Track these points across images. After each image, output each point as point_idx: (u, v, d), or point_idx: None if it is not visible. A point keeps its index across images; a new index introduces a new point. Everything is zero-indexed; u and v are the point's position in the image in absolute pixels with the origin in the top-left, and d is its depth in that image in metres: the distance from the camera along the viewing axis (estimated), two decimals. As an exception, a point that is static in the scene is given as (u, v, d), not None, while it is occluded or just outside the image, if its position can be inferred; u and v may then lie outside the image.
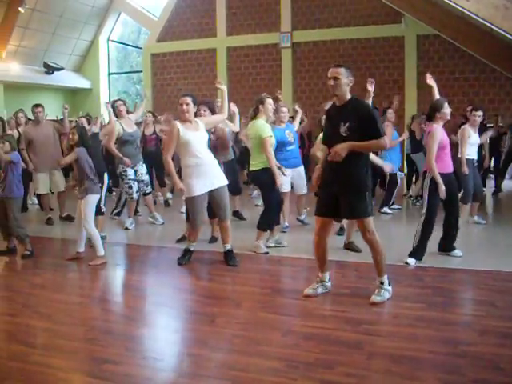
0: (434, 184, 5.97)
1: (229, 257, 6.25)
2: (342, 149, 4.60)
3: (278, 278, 5.85)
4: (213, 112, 7.02)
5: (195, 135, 5.98)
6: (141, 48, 19.32)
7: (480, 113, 7.95)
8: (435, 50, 14.78)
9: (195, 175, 5.97)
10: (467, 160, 7.78)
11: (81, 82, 20.14)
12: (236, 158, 8.69)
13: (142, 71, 19.11)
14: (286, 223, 7.86)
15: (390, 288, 5.00)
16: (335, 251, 6.68)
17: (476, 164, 8.09)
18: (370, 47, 15.46)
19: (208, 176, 6.02)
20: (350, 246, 6.70)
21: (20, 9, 16.14)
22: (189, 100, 6.01)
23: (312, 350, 3.89)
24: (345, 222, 6.96)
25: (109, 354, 3.92)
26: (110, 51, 20.63)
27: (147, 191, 8.49)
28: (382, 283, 4.97)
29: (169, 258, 6.52)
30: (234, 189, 8.05)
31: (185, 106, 5.99)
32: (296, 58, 16.28)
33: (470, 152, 7.89)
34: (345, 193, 4.80)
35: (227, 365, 3.72)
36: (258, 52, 16.74)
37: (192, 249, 6.38)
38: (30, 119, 10.00)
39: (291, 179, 7.65)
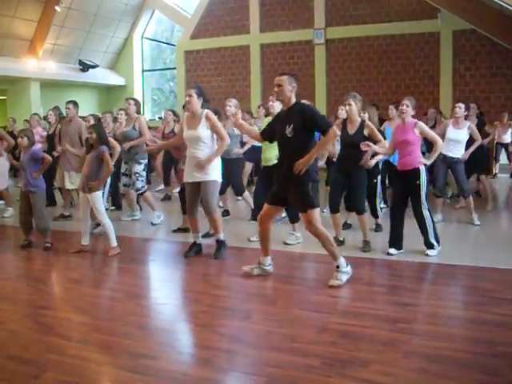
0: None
1: (216, 247, 6.49)
2: (304, 163, 5.09)
3: (312, 276, 5.84)
4: (219, 116, 7.19)
5: (189, 132, 6.27)
6: (174, 45, 19.42)
7: (460, 104, 7.87)
8: (472, 45, 14.53)
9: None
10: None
11: (115, 79, 20.35)
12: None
13: (175, 68, 19.22)
14: None
15: (348, 269, 5.29)
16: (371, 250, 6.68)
17: (454, 161, 7.93)
18: (404, 43, 15.28)
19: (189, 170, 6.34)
20: (364, 247, 6.71)
21: (56, 8, 16.38)
22: (192, 92, 6.25)
23: (347, 348, 3.87)
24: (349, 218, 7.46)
25: (144, 348, 3.96)
26: (143, 48, 20.81)
27: (136, 189, 8.52)
28: (337, 267, 5.26)
29: (204, 253, 6.56)
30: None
31: (187, 98, 6.24)
32: (330, 54, 16.18)
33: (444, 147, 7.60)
34: (292, 185, 5.21)
35: (263, 361, 3.73)
36: (292, 49, 16.69)
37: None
38: (63, 116, 10.10)
39: None
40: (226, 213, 8.70)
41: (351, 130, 6.61)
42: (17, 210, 7.85)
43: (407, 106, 6.27)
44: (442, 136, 7.63)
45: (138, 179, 8.36)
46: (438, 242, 6.32)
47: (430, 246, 6.29)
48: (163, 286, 5.85)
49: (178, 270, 6.22)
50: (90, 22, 18.18)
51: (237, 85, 17.31)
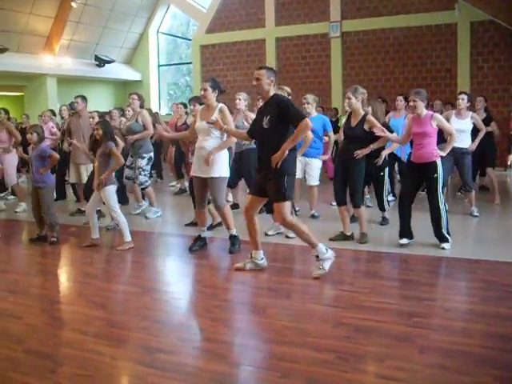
0: None
1: (230, 243, 6.54)
2: (279, 157, 5.19)
3: (328, 270, 5.79)
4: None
5: (201, 124, 6.28)
6: (190, 40, 19.44)
7: (463, 96, 7.96)
8: (490, 36, 14.32)
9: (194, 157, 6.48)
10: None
11: (131, 74, 20.43)
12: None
13: (191, 63, 19.24)
14: (315, 212, 8.28)
15: (328, 254, 5.38)
16: (383, 244, 6.65)
17: (461, 152, 7.93)
18: (421, 35, 15.13)
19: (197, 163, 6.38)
20: (361, 238, 6.75)
21: (73, 4, 16.46)
22: (206, 85, 6.30)
23: (362, 343, 3.86)
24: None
25: (160, 343, 3.98)
26: (159, 43, 20.85)
27: (139, 183, 8.67)
28: (316, 256, 5.35)
29: (218, 248, 6.58)
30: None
31: (202, 92, 6.31)
32: (345, 47, 16.09)
33: None
34: (269, 178, 5.34)
35: (277, 356, 3.72)
36: (307, 42, 16.61)
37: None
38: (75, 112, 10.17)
39: (303, 168, 8.03)
40: (235, 206, 8.71)
41: (353, 123, 6.65)
42: (29, 204, 7.97)
43: (414, 101, 6.22)
44: None
45: (140, 173, 8.53)
46: (449, 235, 6.30)
47: (443, 239, 6.27)
48: (178, 280, 5.88)
49: (191, 264, 6.25)
50: (105, 18, 18.25)
51: (253, 79, 17.24)
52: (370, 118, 6.59)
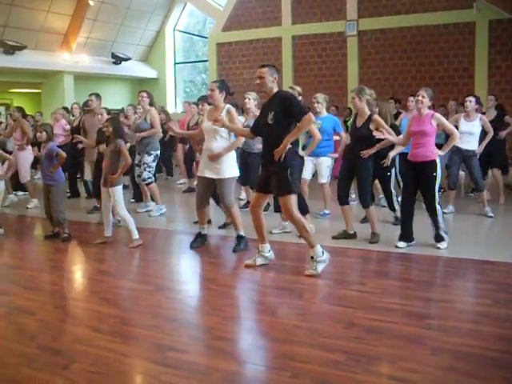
0: None
1: (235, 242, 6.57)
2: (281, 150, 5.26)
3: (340, 270, 5.78)
4: (237, 109, 7.37)
5: (208, 124, 6.33)
6: (206, 37, 19.45)
7: (471, 98, 7.99)
8: (509, 35, 14.17)
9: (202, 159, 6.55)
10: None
11: (147, 72, 20.50)
12: None
13: (207, 60, 19.25)
14: (326, 211, 8.32)
15: (324, 257, 5.42)
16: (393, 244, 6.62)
17: (468, 154, 8.00)
18: (438, 34, 15.02)
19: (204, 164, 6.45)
20: (372, 238, 6.76)
21: (90, 2, 16.57)
22: (214, 86, 6.37)
23: (374, 344, 3.84)
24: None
25: (173, 341, 3.99)
26: (175, 41, 20.91)
27: (142, 179, 8.73)
28: (312, 257, 5.44)
29: (231, 246, 6.58)
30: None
31: (209, 92, 6.38)
32: (362, 46, 16.01)
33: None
34: (273, 172, 5.39)
35: (287, 356, 3.71)
36: (324, 41, 16.55)
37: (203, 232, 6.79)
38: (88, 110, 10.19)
39: (314, 167, 8.12)
40: (248, 204, 8.69)
41: (359, 124, 6.68)
42: (42, 201, 8.05)
43: (423, 97, 6.22)
44: None
45: (145, 169, 8.64)
46: (445, 233, 6.35)
47: (440, 238, 6.30)
48: (190, 278, 5.91)
49: (204, 262, 6.27)
50: (122, 15, 18.34)
51: (268, 77, 17.23)
52: (377, 117, 6.59)
